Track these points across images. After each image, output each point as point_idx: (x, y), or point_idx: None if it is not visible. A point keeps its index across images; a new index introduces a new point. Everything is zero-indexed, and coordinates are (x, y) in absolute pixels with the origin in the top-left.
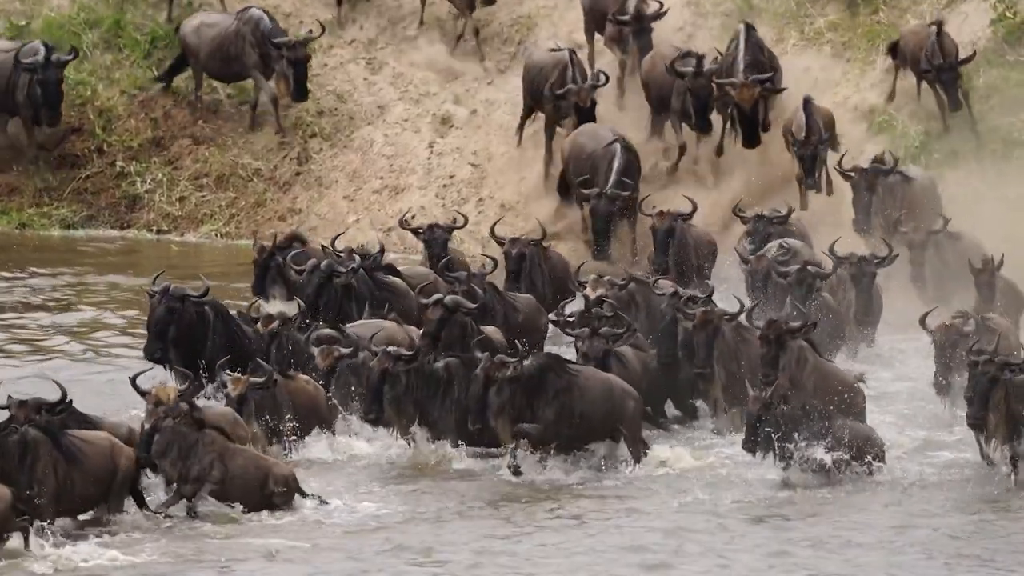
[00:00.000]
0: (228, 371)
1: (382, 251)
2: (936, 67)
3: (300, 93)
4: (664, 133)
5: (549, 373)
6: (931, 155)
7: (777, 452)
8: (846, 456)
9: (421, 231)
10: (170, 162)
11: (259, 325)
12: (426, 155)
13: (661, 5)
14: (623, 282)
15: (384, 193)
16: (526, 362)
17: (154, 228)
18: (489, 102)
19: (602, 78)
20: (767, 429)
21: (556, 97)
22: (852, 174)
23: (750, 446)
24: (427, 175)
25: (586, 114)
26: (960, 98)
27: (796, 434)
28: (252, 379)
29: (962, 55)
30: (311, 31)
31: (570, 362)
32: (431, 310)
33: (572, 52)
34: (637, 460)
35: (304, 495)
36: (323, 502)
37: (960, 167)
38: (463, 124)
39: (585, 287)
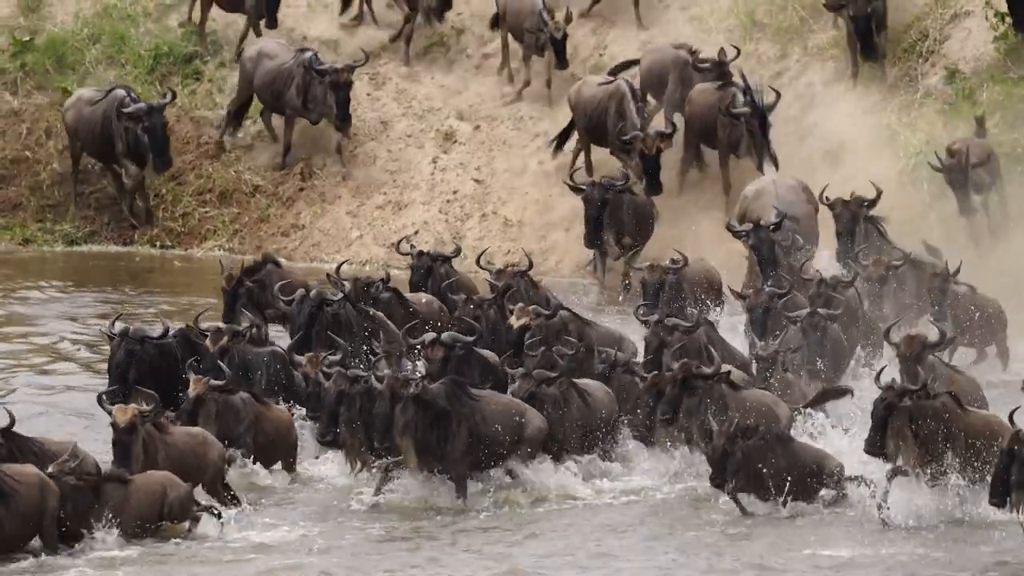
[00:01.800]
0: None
1: (386, 279)
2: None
3: (344, 118)
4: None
5: (453, 398)
6: (933, 170)
7: (741, 485)
8: (808, 484)
9: (412, 257)
10: (173, 177)
11: (208, 342)
12: (429, 171)
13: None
14: (549, 312)
15: (387, 208)
16: (432, 385)
17: (157, 244)
18: (492, 118)
19: (669, 127)
20: (732, 463)
21: (622, 144)
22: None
23: (718, 481)
24: (430, 191)
25: (651, 162)
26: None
27: (760, 466)
28: (211, 381)
29: (966, 70)
30: (356, 60)
31: (473, 386)
32: (431, 351)
33: (629, 83)
34: (534, 484)
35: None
36: (218, 516)
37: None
38: (466, 140)
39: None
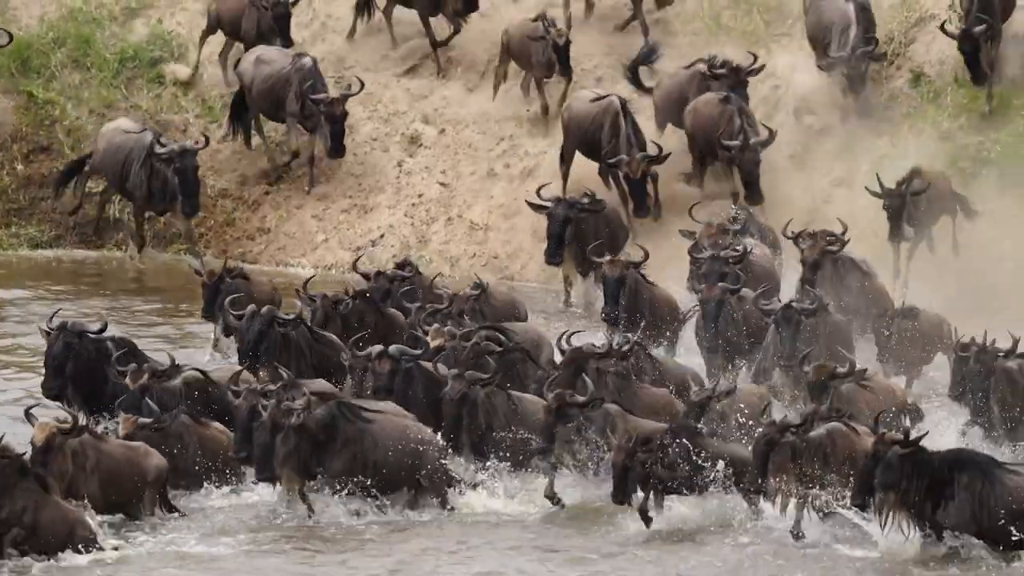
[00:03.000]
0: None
1: (355, 295)
2: None
3: (337, 149)
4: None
5: (340, 421)
6: (899, 172)
7: (647, 498)
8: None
9: (369, 277)
10: None
11: (128, 379)
12: (395, 174)
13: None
14: (467, 331)
15: (353, 212)
16: (317, 410)
17: (123, 248)
18: (458, 121)
19: (654, 149)
20: (634, 477)
21: (609, 166)
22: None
23: (620, 497)
24: (396, 194)
25: (637, 185)
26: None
27: (664, 477)
28: (141, 420)
29: (931, 74)
30: (350, 86)
31: (366, 409)
32: (378, 363)
33: (621, 99)
34: (444, 507)
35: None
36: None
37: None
38: (432, 143)
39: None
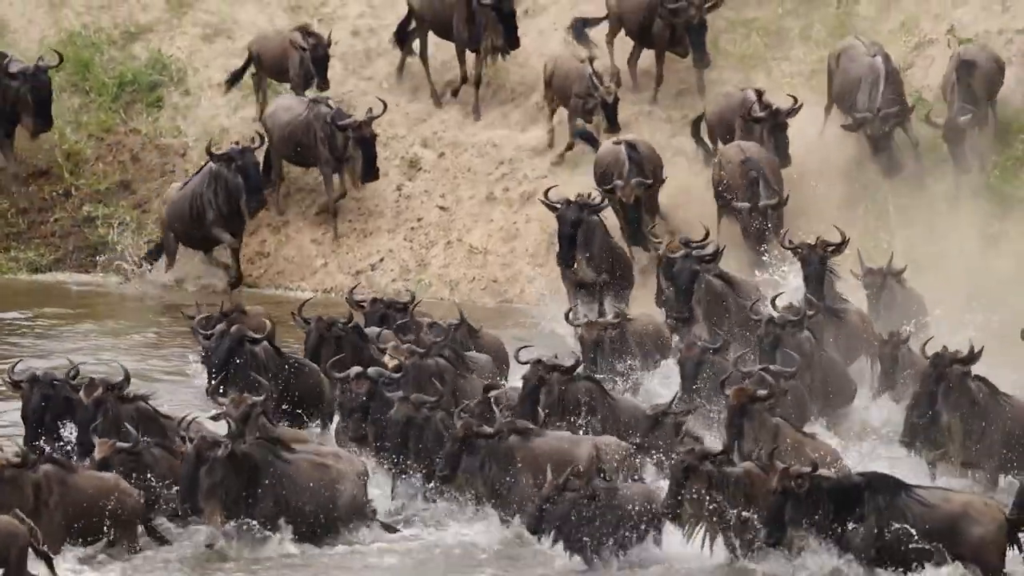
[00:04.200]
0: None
1: (348, 319)
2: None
3: (370, 172)
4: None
5: (265, 459)
6: (897, 196)
7: (564, 536)
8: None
9: (364, 304)
10: (138, 205)
11: (82, 393)
12: (394, 198)
13: (795, 101)
14: (423, 350)
15: (352, 236)
16: (243, 445)
17: (122, 273)
18: (456, 145)
19: (646, 180)
20: (555, 512)
21: (605, 192)
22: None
23: (534, 526)
24: (395, 218)
25: (631, 211)
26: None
27: (586, 516)
28: (119, 443)
29: (929, 98)
30: (371, 109)
31: (289, 450)
32: (356, 384)
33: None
34: (387, 528)
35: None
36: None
37: (923, 206)
38: (431, 167)
39: None
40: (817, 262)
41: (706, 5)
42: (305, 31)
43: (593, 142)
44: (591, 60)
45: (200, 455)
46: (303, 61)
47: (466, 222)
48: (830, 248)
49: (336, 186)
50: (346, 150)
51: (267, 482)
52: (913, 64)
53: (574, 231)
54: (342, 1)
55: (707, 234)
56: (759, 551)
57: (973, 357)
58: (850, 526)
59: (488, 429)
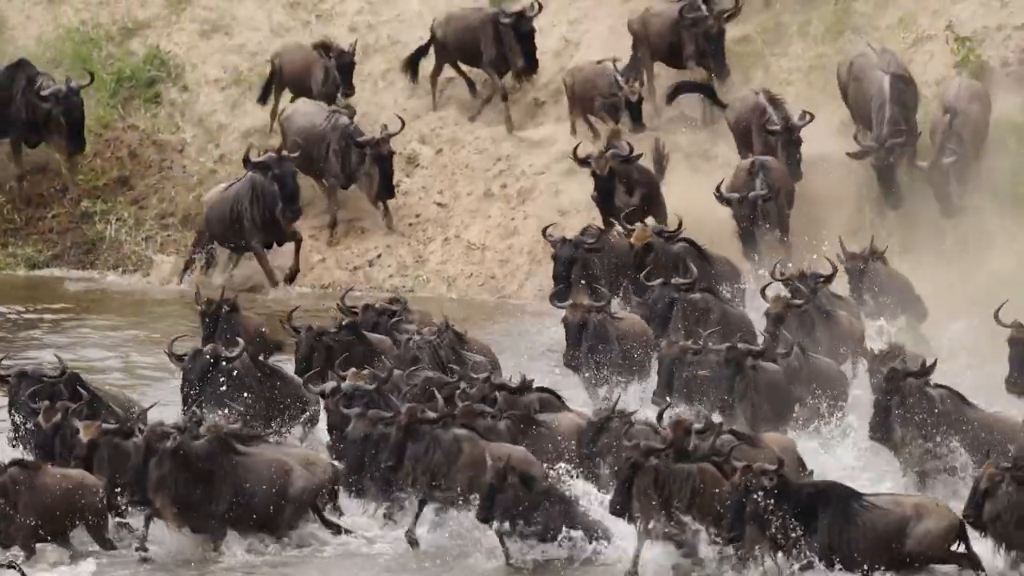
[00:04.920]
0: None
1: (341, 324)
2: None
3: (388, 190)
4: None
5: (217, 452)
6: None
7: (510, 528)
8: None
9: (356, 311)
10: (135, 201)
11: (40, 418)
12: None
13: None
14: (385, 375)
15: (350, 233)
16: (195, 438)
17: (120, 268)
18: (454, 141)
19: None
20: (503, 500)
21: (581, 163)
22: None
23: (484, 516)
24: (393, 214)
25: (605, 182)
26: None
27: (530, 512)
28: (104, 425)
29: (928, 94)
30: (386, 126)
31: (245, 441)
32: (331, 400)
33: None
34: (335, 532)
35: None
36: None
37: (922, 205)
38: (429, 163)
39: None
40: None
41: (724, 15)
42: (326, 46)
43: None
44: (614, 61)
45: (150, 446)
46: (327, 77)
47: (464, 218)
48: (820, 280)
49: (339, 202)
50: (360, 167)
51: (219, 476)
52: (912, 60)
53: (568, 271)
54: None
55: (680, 224)
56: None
57: (927, 371)
58: (802, 533)
59: (432, 415)
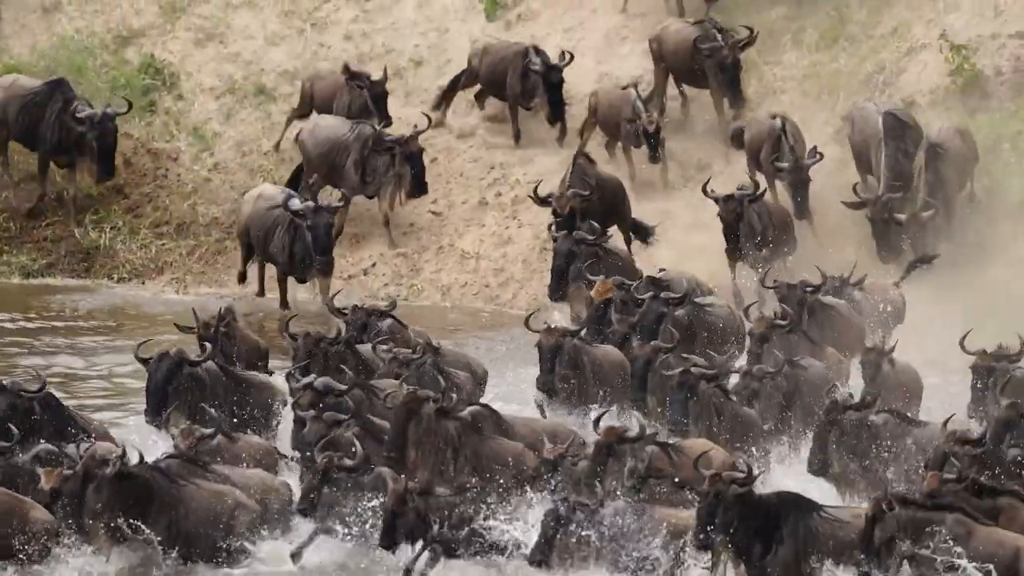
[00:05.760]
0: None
1: (337, 335)
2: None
3: (421, 187)
4: None
5: (158, 481)
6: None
7: (418, 556)
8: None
9: (346, 312)
10: (130, 210)
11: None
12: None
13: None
14: (346, 386)
15: (344, 242)
16: (133, 464)
17: (114, 276)
18: (449, 150)
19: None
20: (404, 525)
21: (540, 201)
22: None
23: (386, 542)
24: (388, 223)
25: (566, 222)
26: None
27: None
28: (64, 471)
29: (922, 103)
30: (416, 125)
31: (200, 467)
32: (301, 396)
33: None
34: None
35: None
36: None
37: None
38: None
39: None
40: (795, 303)
41: (739, 44)
42: (351, 71)
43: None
44: (635, 85)
45: (88, 474)
46: (352, 104)
47: (458, 227)
48: (809, 289)
49: (345, 213)
50: (391, 168)
51: (158, 505)
52: (906, 70)
53: (566, 265)
54: (335, 6)
55: (645, 278)
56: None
57: (868, 404)
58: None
59: (349, 463)
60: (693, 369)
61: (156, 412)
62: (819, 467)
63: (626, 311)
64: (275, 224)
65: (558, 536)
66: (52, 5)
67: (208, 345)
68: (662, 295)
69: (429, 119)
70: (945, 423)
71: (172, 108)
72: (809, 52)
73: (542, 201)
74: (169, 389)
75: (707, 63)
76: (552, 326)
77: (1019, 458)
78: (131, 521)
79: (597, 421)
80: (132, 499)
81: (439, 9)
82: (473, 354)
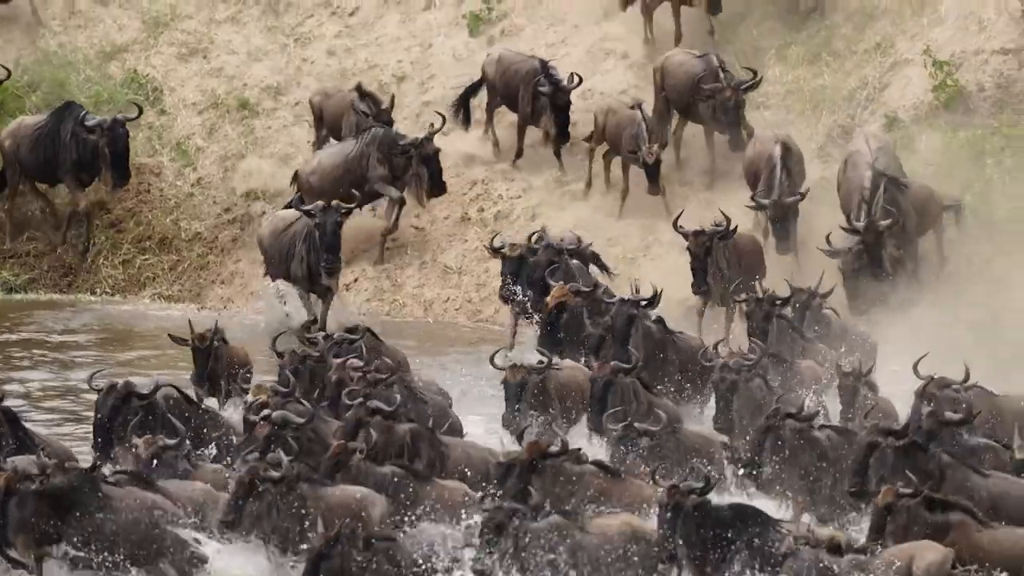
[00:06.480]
0: None
1: (320, 355)
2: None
3: (439, 186)
4: None
5: (81, 491)
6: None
7: None
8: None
9: (315, 342)
10: (113, 225)
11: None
12: (370, 217)
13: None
14: (286, 390)
15: None
16: (56, 477)
17: (97, 291)
18: None
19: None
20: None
21: (493, 252)
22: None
23: None
24: (370, 239)
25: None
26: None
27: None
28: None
29: (906, 118)
30: (432, 124)
31: (125, 474)
32: (259, 427)
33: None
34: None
35: None
36: None
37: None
38: None
39: None
40: (761, 318)
41: (743, 86)
42: (363, 91)
43: None
44: (639, 105)
45: (10, 488)
46: (358, 124)
47: (441, 242)
48: (777, 303)
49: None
50: (408, 170)
51: (82, 516)
52: (889, 85)
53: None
54: (318, 21)
55: (597, 287)
56: None
57: (810, 416)
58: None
59: (275, 474)
60: (636, 424)
61: (102, 449)
62: (753, 473)
63: (596, 313)
64: (292, 243)
65: (499, 543)
66: (35, 20)
67: (157, 380)
68: (629, 298)
69: (443, 118)
70: (867, 415)
71: (155, 123)
72: (792, 67)
73: (495, 251)
74: (115, 425)
75: (708, 103)
76: (517, 364)
77: (943, 463)
78: (55, 534)
79: (521, 435)
80: (56, 511)
81: (422, 25)
82: (453, 369)
